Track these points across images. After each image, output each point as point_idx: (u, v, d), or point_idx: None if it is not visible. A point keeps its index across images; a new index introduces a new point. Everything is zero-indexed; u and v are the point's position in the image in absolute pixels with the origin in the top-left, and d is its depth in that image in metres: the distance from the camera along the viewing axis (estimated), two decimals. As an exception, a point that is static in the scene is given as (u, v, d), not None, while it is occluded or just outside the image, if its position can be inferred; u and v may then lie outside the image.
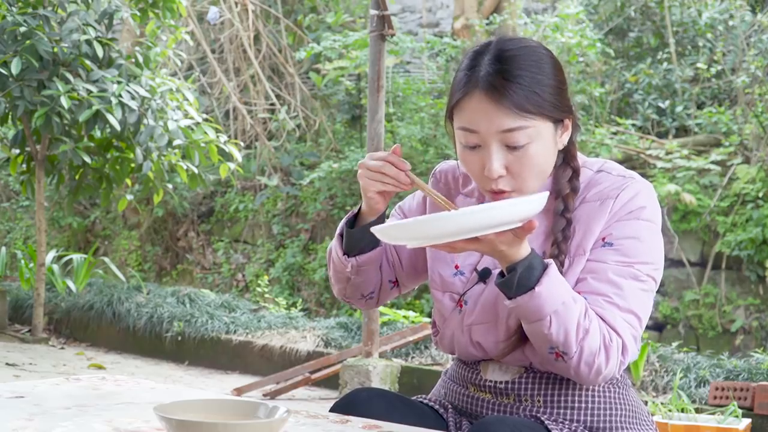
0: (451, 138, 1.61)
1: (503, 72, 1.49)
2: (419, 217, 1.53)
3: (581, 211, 1.56)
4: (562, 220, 1.55)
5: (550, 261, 1.46)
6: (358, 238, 1.65)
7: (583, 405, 1.58)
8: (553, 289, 1.43)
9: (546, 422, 1.54)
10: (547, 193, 1.40)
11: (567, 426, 1.55)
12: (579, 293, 1.51)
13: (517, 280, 1.43)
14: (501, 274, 1.47)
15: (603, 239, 1.54)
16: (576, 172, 1.59)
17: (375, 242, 1.66)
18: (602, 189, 1.56)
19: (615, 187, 1.56)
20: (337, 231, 1.69)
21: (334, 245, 1.69)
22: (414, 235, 1.39)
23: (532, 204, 1.38)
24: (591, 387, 1.58)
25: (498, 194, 1.54)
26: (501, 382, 1.60)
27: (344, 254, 1.67)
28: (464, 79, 1.53)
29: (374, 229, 1.43)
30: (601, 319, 1.49)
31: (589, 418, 1.57)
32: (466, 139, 1.53)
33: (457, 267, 1.65)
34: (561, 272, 1.52)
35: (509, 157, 1.51)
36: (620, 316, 1.49)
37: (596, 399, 1.58)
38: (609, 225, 1.54)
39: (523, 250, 1.43)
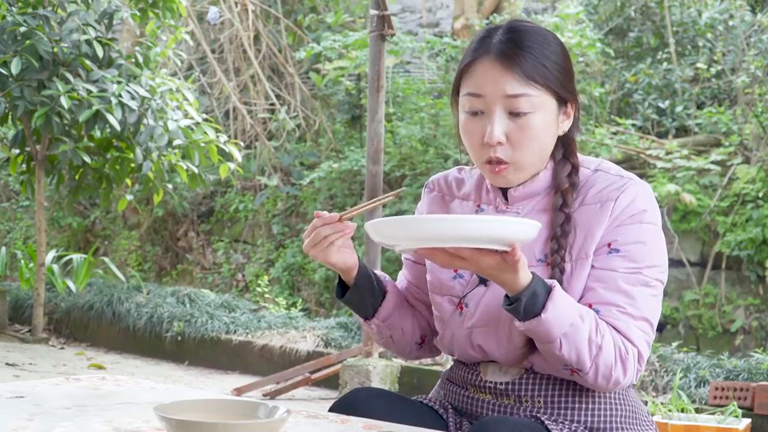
0: (454, 115, 1.63)
1: (515, 41, 1.53)
2: (403, 216, 1.55)
3: (581, 214, 1.56)
4: (561, 214, 1.55)
5: (554, 283, 1.45)
6: (357, 301, 1.65)
7: (584, 405, 1.58)
8: (560, 312, 1.43)
9: (546, 422, 1.54)
10: (539, 224, 1.38)
11: (567, 426, 1.55)
12: (590, 304, 1.51)
13: (523, 308, 1.43)
14: (507, 297, 1.46)
15: (609, 245, 1.53)
16: (575, 168, 1.60)
17: (381, 292, 1.66)
18: (601, 190, 1.56)
19: (614, 188, 1.55)
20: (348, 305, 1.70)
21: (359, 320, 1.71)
22: (399, 234, 1.37)
23: (518, 225, 1.34)
24: (604, 392, 1.59)
25: (495, 165, 1.55)
26: (501, 383, 1.60)
27: (365, 320, 1.68)
28: (475, 46, 1.57)
29: (367, 225, 1.43)
30: (616, 330, 1.49)
31: (589, 419, 1.57)
32: (470, 105, 1.56)
33: (456, 270, 1.64)
34: (562, 279, 1.52)
35: (511, 125, 1.53)
36: (634, 325, 1.50)
37: (596, 400, 1.58)
38: (612, 230, 1.53)
39: (523, 279, 1.42)
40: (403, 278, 1.77)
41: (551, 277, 1.53)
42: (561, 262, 1.53)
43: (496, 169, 1.55)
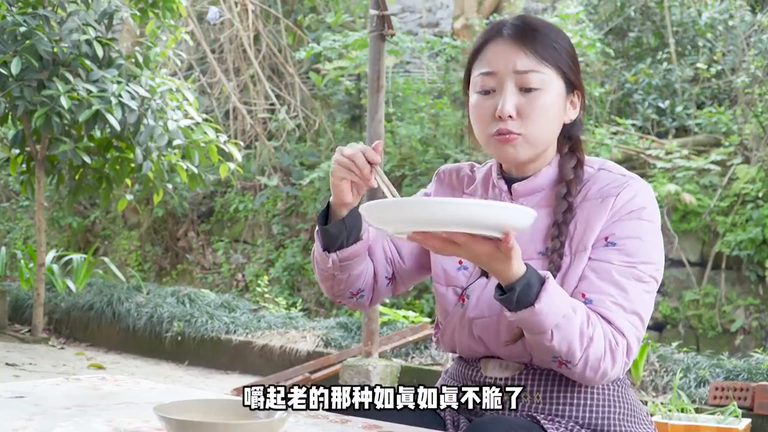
0: (466, 105, 1.66)
1: (527, 24, 1.60)
2: (397, 198, 1.49)
3: (583, 210, 1.58)
4: (564, 202, 1.58)
5: (548, 274, 1.45)
6: (335, 233, 1.63)
7: (582, 402, 1.58)
8: (553, 304, 1.43)
9: (542, 422, 1.54)
10: (534, 212, 1.36)
11: (564, 425, 1.56)
12: (583, 294, 1.52)
13: (516, 297, 1.43)
14: (499, 287, 1.45)
15: (606, 239, 1.54)
16: (580, 162, 1.63)
17: (355, 237, 1.65)
18: (603, 186, 1.58)
19: (616, 185, 1.57)
20: (317, 228, 1.68)
21: (315, 243, 1.68)
22: (392, 216, 1.35)
23: (512, 211, 1.33)
24: (590, 385, 1.58)
25: (505, 136, 1.57)
26: (501, 379, 1.61)
27: (324, 251, 1.65)
28: (489, 29, 1.63)
29: (362, 208, 1.41)
30: (606, 320, 1.50)
31: (587, 415, 1.58)
32: (482, 84, 1.60)
33: (460, 262, 1.65)
34: (559, 270, 1.53)
35: (521, 100, 1.57)
36: (625, 318, 1.50)
37: (595, 397, 1.59)
38: (610, 224, 1.55)
39: (516, 269, 1.41)
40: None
41: (550, 266, 1.54)
42: (560, 248, 1.55)
43: (507, 137, 1.57)
